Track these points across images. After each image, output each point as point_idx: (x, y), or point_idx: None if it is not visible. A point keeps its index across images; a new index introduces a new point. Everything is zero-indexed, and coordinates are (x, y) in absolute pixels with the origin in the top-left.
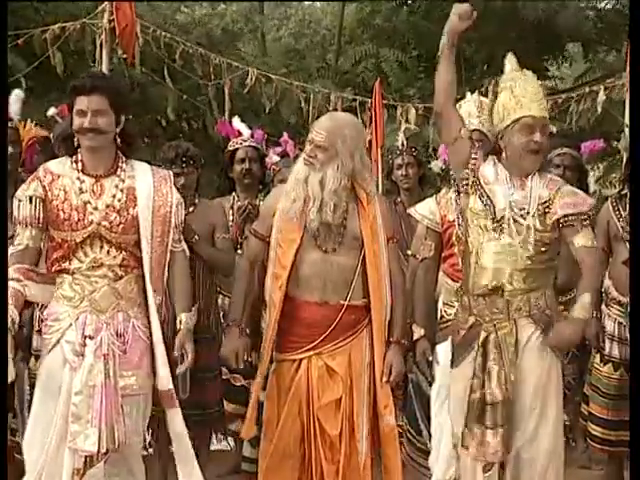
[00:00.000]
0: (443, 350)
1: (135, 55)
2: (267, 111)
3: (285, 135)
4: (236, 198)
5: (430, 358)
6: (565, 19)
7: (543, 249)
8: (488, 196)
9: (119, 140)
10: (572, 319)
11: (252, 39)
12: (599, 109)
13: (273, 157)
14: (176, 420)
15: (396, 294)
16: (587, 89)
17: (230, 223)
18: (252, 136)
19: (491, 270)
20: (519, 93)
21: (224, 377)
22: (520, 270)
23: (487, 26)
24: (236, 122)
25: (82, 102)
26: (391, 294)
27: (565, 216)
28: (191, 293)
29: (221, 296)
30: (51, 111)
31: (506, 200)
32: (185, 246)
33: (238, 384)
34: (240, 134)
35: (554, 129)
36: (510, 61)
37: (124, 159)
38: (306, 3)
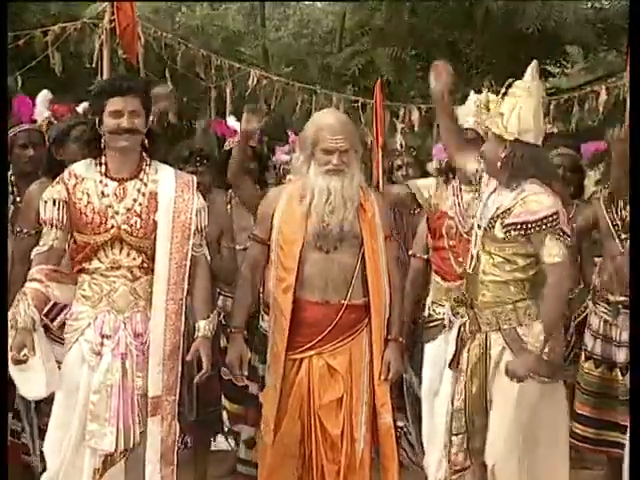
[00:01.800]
0: (431, 350)
1: (136, 56)
2: (269, 112)
3: (292, 134)
4: (232, 195)
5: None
6: (565, 25)
7: (509, 259)
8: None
9: (146, 141)
10: (523, 352)
11: (253, 40)
12: (601, 109)
13: (282, 156)
14: (154, 431)
15: (394, 292)
16: (588, 88)
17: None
18: None
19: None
20: (517, 108)
21: (225, 377)
22: (485, 282)
23: (487, 30)
24: (231, 121)
25: (117, 103)
26: (390, 292)
27: (519, 225)
28: (211, 299)
29: (221, 297)
30: (46, 113)
31: (479, 208)
32: (206, 251)
33: (240, 384)
34: (236, 133)
35: (555, 129)
36: (532, 70)
37: (148, 161)
38: (306, 3)
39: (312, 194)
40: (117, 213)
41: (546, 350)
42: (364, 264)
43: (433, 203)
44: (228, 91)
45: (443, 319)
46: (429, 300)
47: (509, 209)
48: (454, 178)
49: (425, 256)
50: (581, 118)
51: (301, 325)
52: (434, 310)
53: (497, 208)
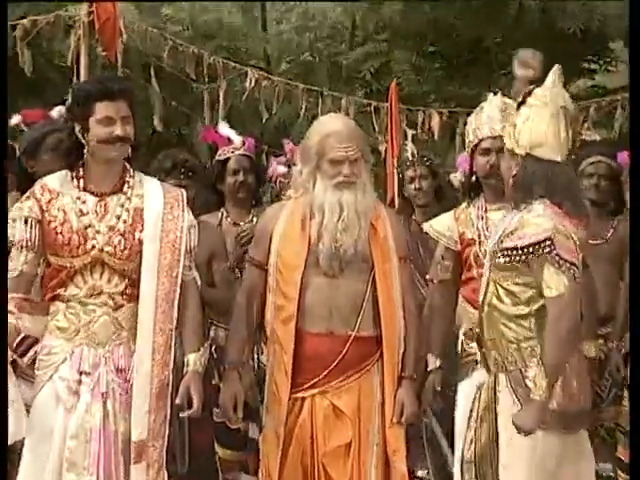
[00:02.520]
0: (465, 388)
1: (117, 53)
2: (268, 117)
3: (289, 143)
4: (225, 214)
5: (439, 388)
6: (608, 20)
7: (511, 290)
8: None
9: (129, 150)
10: (529, 401)
11: (251, 35)
12: None
13: (278, 168)
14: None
15: (410, 322)
16: None
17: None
18: (244, 144)
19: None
20: (530, 119)
21: (217, 419)
22: (490, 316)
23: (520, 27)
24: (223, 128)
25: (108, 108)
26: (405, 323)
27: (510, 250)
28: (202, 330)
29: (214, 327)
30: (15, 119)
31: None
32: (197, 274)
33: (234, 427)
34: (230, 142)
35: (597, 137)
36: (553, 75)
37: (132, 173)
38: None
39: (322, 212)
40: (98, 232)
41: (559, 399)
42: (375, 290)
43: (458, 236)
44: (221, 93)
45: (476, 353)
46: (462, 333)
47: (511, 232)
48: (478, 196)
49: (447, 276)
50: (625, 123)
51: (302, 360)
52: (467, 343)
53: (503, 230)
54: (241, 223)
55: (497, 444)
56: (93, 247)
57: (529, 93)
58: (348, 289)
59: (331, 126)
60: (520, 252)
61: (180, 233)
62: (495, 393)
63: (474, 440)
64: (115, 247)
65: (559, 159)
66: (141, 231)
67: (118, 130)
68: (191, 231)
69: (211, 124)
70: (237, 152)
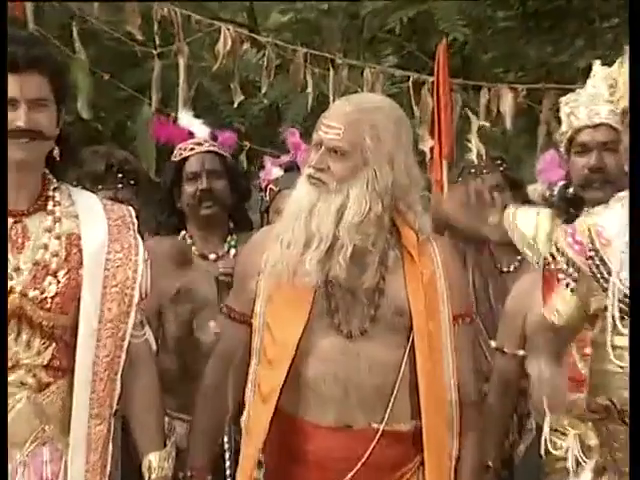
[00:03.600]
0: None
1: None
2: (252, 99)
3: (295, 133)
4: (188, 242)
5: None
6: None
7: None
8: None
9: (56, 151)
10: None
11: None
12: None
13: (273, 170)
14: None
15: (468, 415)
16: None
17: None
18: (214, 138)
19: (612, 378)
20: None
21: None
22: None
23: None
24: (184, 118)
25: (10, 85)
26: (460, 413)
27: None
28: (162, 416)
29: (168, 418)
30: None
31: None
32: (150, 333)
33: None
34: (191, 135)
35: None
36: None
37: (56, 184)
38: None
39: (292, 217)
40: (17, 270)
41: None
42: (414, 361)
43: (544, 251)
44: (181, 63)
45: (567, 458)
46: (546, 427)
47: None
48: (578, 215)
49: (522, 352)
50: None
51: (302, 464)
52: (554, 443)
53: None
54: (211, 255)
55: None
56: (11, 290)
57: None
58: (374, 359)
59: (338, 102)
60: None
61: (132, 272)
62: None
63: None
64: (43, 291)
65: None
66: (79, 267)
67: (21, 119)
68: (145, 269)
69: (165, 111)
70: (200, 148)
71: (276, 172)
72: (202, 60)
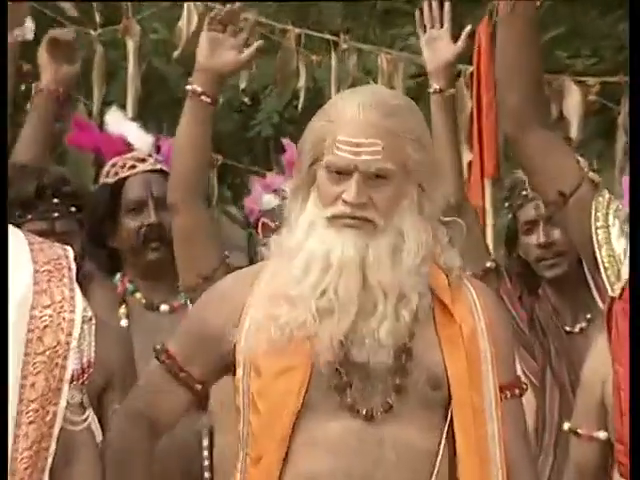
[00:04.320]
0: None
1: None
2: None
3: (292, 147)
4: (129, 288)
5: None
6: None
7: None
8: None
9: None
10: None
11: None
12: None
13: (264, 198)
14: None
15: None
16: None
17: None
18: (158, 150)
19: None
20: None
21: None
22: None
23: None
24: (114, 118)
25: None
26: None
27: None
28: None
29: None
30: None
31: None
32: (95, 420)
33: None
34: (128, 148)
35: None
36: None
37: None
38: None
39: (301, 273)
40: None
41: None
42: (454, 447)
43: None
44: (130, 46)
45: None
46: None
47: None
48: None
49: (603, 434)
50: None
51: None
52: None
53: None
54: (163, 307)
55: None
56: None
57: None
58: (404, 445)
59: (344, 104)
60: None
61: (66, 335)
62: None
63: None
64: None
65: None
66: None
67: None
68: (86, 331)
69: (102, 109)
70: (142, 167)
71: (268, 200)
72: (158, 44)
